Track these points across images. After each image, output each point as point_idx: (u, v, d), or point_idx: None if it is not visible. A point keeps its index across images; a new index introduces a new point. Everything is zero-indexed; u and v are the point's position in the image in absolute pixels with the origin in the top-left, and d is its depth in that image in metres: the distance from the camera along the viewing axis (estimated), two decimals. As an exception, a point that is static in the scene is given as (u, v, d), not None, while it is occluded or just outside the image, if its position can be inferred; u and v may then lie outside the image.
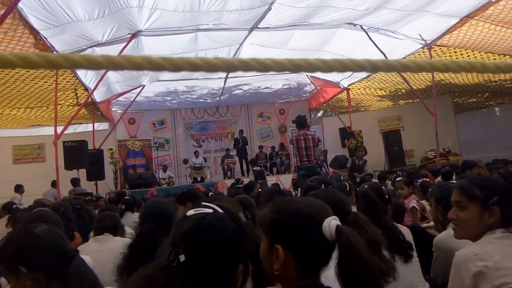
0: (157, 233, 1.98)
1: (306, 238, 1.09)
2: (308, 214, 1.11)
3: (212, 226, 1.05)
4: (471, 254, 1.49)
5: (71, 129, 11.09)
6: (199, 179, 13.42)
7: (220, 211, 1.10)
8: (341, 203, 1.81)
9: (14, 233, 1.63)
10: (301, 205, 1.15)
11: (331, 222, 1.07)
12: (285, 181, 10.75)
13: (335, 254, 1.09)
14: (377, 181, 6.02)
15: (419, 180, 4.72)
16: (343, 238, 1.05)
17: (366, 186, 2.53)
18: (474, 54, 9.17)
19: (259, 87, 14.09)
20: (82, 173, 9.94)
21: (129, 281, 1.12)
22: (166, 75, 11.34)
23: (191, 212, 1.09)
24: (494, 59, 9.33)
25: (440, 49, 9.09)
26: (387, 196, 2.40)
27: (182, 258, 0.99)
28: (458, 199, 1.68)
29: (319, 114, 16.62)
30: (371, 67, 0.78)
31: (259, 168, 10.41)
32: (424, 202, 4.01)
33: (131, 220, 4.71)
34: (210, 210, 1.09)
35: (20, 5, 5.53)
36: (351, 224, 1.83)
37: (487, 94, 13.16)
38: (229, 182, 11.99)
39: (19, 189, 9.59)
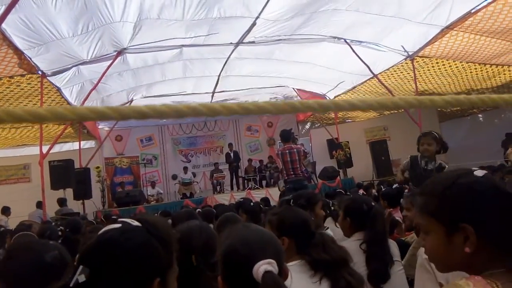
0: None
1: (241, 276, 1.11)
2: (242, 254, 1.13)
3: (113, 241, 0.98)
4: None
5: (56, 148, 10.93)
6: (188, 194, 13.31)
7: (134, 224, 1.03)
8: (306, 223, 1.87)
9: None
10: (239, 243, 1.16)
11: (261, 268, 1.06)
12: (274, 194, 10.71)
13: None
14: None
15: (406, 191, 4.74)
16: (265, 286, 1.06)
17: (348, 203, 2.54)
18: (455, 64, 9.37)
19: (246, 101, 14.06)
20: (68, 193, 9.79)
21: None
22: (154, 90, 11.33)
23: (101, 231, 1.03)
24: (475, 68, 9.57)
25: (423, 60, 9.25)
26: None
27: (81, 278, 0.92)
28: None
29: (306, 126, 16.71)
30: (320, 107, 0.88)
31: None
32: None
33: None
34: (119, 225, 1.02)
35: (3, 25, 5.50)
36: (317, 244, 1.87)
37: (470, 102, 13.39)
38: (218, 196, 11.97)
39: (6, 211, 9.40)
